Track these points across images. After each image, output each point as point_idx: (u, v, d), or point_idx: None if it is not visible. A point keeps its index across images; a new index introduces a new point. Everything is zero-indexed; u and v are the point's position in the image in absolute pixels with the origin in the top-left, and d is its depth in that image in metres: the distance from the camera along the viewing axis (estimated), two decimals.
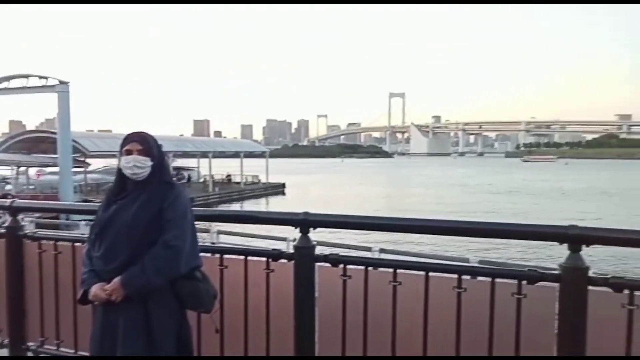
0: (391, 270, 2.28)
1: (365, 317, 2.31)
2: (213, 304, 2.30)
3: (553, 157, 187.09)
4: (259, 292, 2.51)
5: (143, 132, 2.35)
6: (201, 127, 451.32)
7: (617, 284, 1.92)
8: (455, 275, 2.16)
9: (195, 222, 2.32)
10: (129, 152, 2.26)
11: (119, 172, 2.31)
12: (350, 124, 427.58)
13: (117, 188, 2.32)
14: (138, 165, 2.23)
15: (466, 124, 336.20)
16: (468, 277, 2.16)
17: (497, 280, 2.09)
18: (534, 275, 2.02)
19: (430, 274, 2.20)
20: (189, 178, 48.00)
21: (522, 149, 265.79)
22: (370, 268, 2.35)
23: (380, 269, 2.39)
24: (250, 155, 57.35)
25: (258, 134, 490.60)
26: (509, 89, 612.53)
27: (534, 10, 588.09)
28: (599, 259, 14.29)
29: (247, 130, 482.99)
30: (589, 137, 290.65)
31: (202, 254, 2.33)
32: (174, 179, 2.43)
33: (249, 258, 2.57)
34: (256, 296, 2.52)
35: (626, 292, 1.90)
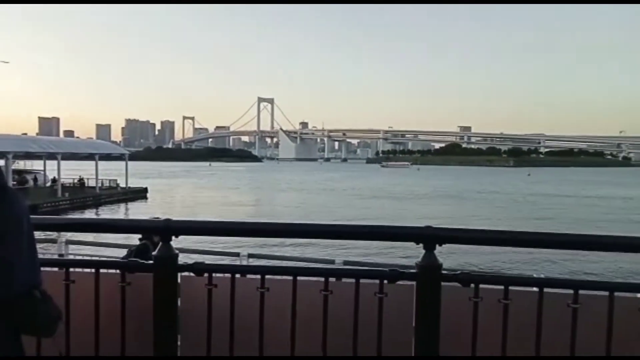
0: (259, 276, 2.22)
1: (232, 327, 2.21)
2: (55, 327, 1.99)
3: (407, 163, 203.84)
4: (113, 308, 2.26)
5: None
6: (48, 125, 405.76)
7: (465, 279, 2.09)
8: (322, 278, 2.17)
9: (40, 232, 2.01)
10: None
11: None
12: (218, 127, 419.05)
13: None
14: None
15: (331, 131, 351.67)
16: (334, 279, 2.20)
17: (362, 280, 2.15)
18: (394, 275, 2.11)
19: (298, 277, 2.19)
20: (35, 181, 42.83)
21: (381, 155, 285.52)
22: (237, 275, 2.26)
23: (249, 276, 2.32)
24: (108, 157, 52.77)
25: (117, 135, 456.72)
26: (370, 99, 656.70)
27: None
28: (457, 256, 15.99)
29: (103, 131, 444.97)
30: (437, 145, 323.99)
31: (44, 269, 2.01)
32: (14, 182, 2.06)
33: (102, 271, 2.31)
34: (110, 313, 2.27)
35: (472, 285, 2.08)
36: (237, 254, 7.11)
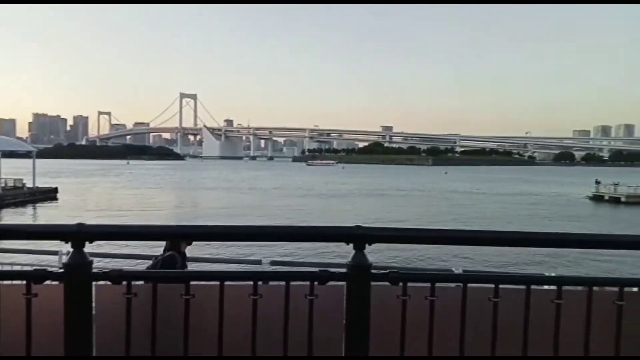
0: (183, 283, 2.10)
1: (153, 339, 2.07)
2: None
3: (333, 161, 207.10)
4: (18, 322, 2.02)
5: None
6: None
7: (394, 278, 2.11)
8: (251, 282, 2.10)
9: None
10: None
11: None
12: (137, 124, 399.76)
13: None
14: None
15: (257, 128, 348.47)
16: (262, 282, 2.13)
17: (292, 283, 2.10)
18: (324, 276, 2.08)
19: (226, 282, 2.10)
20: None
21: (307, 154, 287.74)
22: (139, 282, 2.11)
23: (173, 283, 2.19)
24: (12, 155, 48.53)
25: (23, 131, 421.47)
26: (296, 97, 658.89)
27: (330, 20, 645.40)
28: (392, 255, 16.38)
29: (7, 126, 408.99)
30: (361, 144, 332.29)
31: None
32: None
33: (2, 282, 2.07)
34: (13, 328, 2.03)
35: (401, 284, 2.10)
36: (150, 257, 6.76)
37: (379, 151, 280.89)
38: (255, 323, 2.07)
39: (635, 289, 2.35)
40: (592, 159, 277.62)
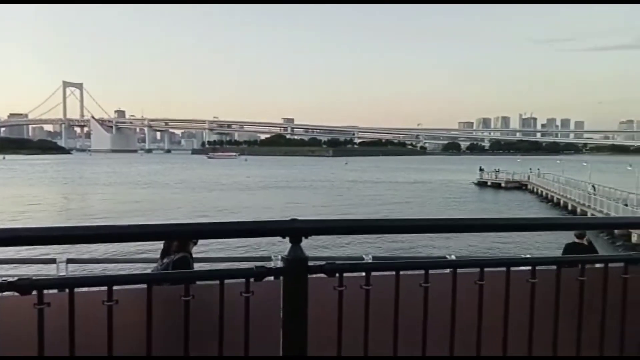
0: (85, 288, 1.91)
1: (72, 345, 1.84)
2: None
3: (234, 154, 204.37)
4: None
5: None
6: None
7: (330, 270, 2.09)
8: (182, 285, 1.96)
9: None
10: None
11: None
12: (13, 115, 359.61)
13: None
14: None
15: (152, 120, 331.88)
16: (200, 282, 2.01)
17: (227, 281, 2.00)
18: (260, 272, 2.01)
19: (142, 285, 1.93)
20: None
21: (207, 146, 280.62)
22: (52, 291, 1.87)
23: (89, 288, 1.97)
24: None
25: None
26: (195, 88, 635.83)
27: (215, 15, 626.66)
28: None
29: None
30: (263, 136, 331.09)
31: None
32: None
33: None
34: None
35: (337, 275, 2.09)
36: (53, 261, 6.12)
37: (282, 143, 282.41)
38: (188, 325, 1.94)
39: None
40: (475, 148, 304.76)
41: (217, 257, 8.79)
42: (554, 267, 2.38)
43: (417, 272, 2.19)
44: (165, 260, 4.66)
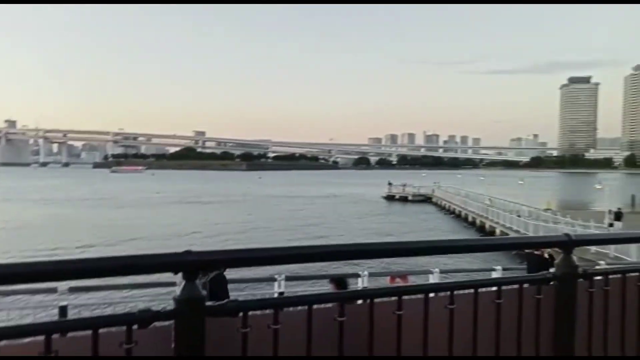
0: None
1: None
2: None
3: (141, 167, 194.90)
4: None
5: None
6: None
7: (233, 308, 1.78)
8: (43, 337, 1.58)
9: None
10: None
11: None
12: None
13: None
14: None
15: (48, 131, 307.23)
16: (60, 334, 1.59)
17: (101, 330, 1.63)
18: (145, 317, 1.67)
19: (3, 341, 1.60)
20: None
21: (111, 159, 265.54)
22: None
23: None
24: None
25: None
26: (98, 97, 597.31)
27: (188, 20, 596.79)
28: None
29: None
30: (172, 150, 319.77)
31: None
32: None
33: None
34: None
35: (241, 314, 1.80)
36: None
37: (192, 156, 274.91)
38: None
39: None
40: (384, 163, 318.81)
41: (126, 283, 7.70)
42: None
43: (330, 305, 2.00)
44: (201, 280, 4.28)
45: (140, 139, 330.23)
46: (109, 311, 7.88)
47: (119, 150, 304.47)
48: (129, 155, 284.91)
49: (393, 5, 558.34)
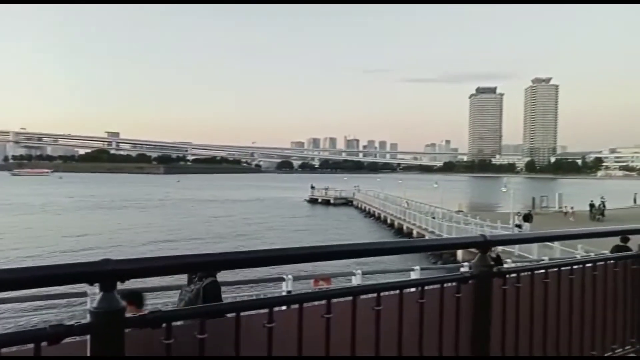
0: None
1: None
2: None
3: (47, 170, 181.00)
4: None
5: None
6: None
7: (156, 320, 1.69)
8: None
9: None
10: None
11: None
12: None
13: None
14: None
15: None
16: None
17: (4, 350, 1.49)
18: (57, 332, 1.53)
19: None
20: None
21: (12, 161, 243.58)
22: None
23: None
24: None
25: None
26: None
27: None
28: None
29: None
30: (82, 151, 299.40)
31: None
32: None
33: None
34: None
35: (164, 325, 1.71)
36: None
37: (105, 159, 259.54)
38: None
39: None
40: (306, 166, 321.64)
41: (29, 295, 6.95)
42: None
43: (261, 311, 1.94)
44: (191, 287, 4.10)
45: (45, 139, 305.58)
46: (11, 325, 7.14)
47: (21, 152, 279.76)
48: (33, 157, 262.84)
49: (318, 14, 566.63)
